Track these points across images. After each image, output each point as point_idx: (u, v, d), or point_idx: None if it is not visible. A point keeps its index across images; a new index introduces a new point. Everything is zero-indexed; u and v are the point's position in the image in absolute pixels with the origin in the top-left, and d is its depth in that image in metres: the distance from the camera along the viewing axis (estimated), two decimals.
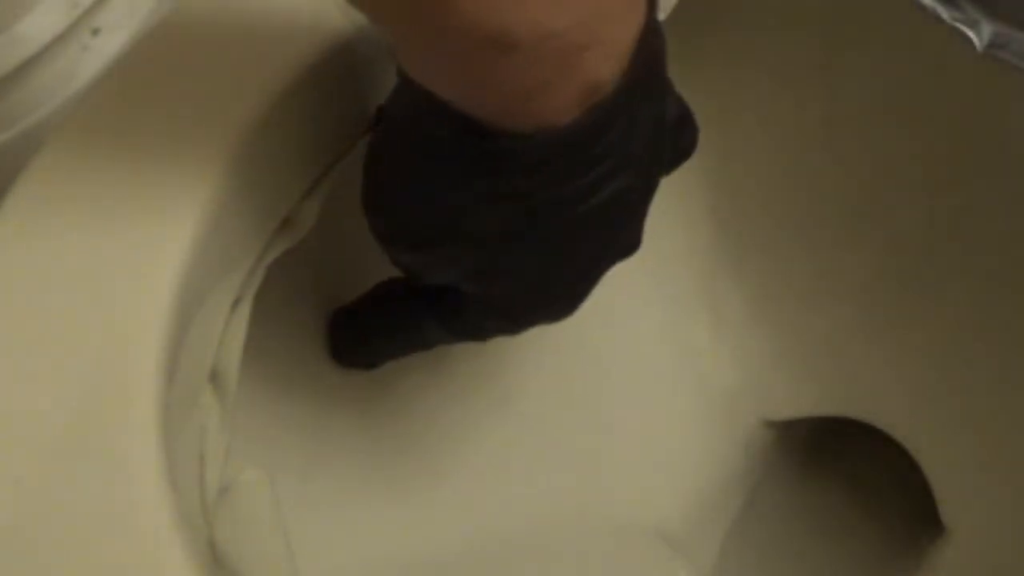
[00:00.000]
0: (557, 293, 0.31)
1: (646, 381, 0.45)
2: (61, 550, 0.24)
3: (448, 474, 0.40)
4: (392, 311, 0.34)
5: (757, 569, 0.43)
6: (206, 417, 0.29)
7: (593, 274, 0.31)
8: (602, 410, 0.44)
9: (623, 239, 0.30)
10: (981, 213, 0.39)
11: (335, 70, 0.30)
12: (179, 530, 0.24)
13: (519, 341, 0.42)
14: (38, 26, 0.41)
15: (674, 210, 0.44)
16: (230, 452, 0.29)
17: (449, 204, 0.28)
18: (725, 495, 0.44)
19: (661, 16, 0.35)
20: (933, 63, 0.37)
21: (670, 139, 0.30)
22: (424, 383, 0.40)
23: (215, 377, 0.30)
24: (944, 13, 0.35)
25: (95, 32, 0.42)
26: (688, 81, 0.42)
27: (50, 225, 0.27)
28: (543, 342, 0.43)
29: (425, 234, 0.29)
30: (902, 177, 0.41)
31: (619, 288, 0.44)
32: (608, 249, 0.30)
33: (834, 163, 0.42)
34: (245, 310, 0.30)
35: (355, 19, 0.31)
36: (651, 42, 0.26)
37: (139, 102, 0.29)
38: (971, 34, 0.35)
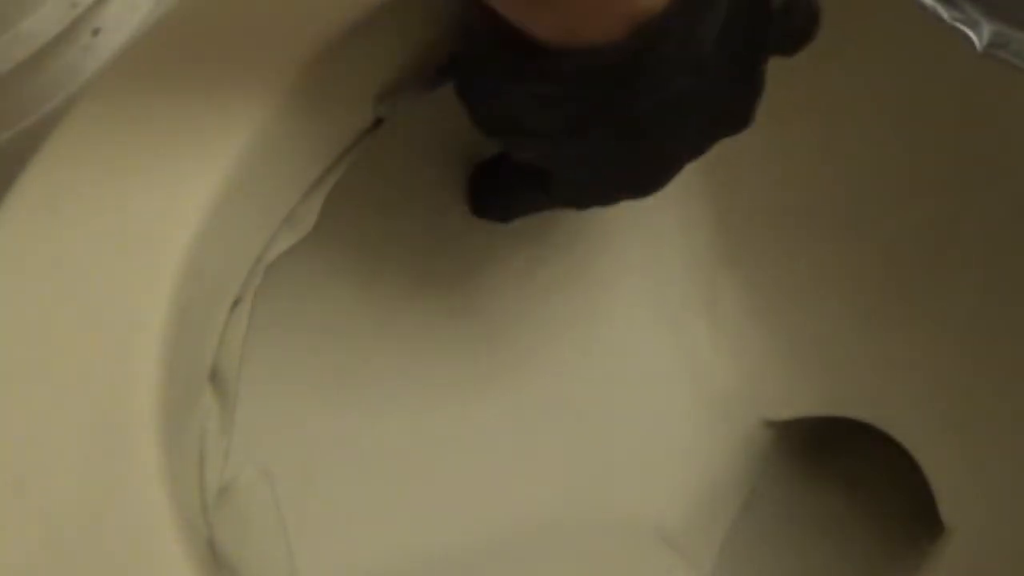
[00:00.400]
0: (630, 180, 0.32)
1: (646, 381, 0.45)
2: (62, 550, 0.24)
3: (448, 474, 0.40)
4: (517, 170, 0.36)
5: (757, 569, 0.43)
6: (206, 417, 0.29)
7: (671, 161, 0.32)
8: (602, 410, 0.44)
9: (711, 126, 0.31)
10: (981, 213, 0.39)
11: (336, 69, 0.30)
12: (179, 530, 0.24)
13: (519, 341, 0.42)
14: (39, 26, 0.41)
15: (674, 210, 0.44)
16: (230, 452, 0.29)
17: (513, 103, 0.30)
18: (725, 495, 0.44)
19: None
20: (933, 63, 0.37)
21: (777, 24, 0.31)
22: (424, 383, 0.40)
23: (215, 377, 0.30)
24: (944, 13, 0.35)
25: (95, 32, 0.42)
26: None
27: (50, 225, 0.27)
28: (543, 341, 0.43)
29: (499, 126, 0.31)
30: (902, 177, 0.41)
31: (619, 288, 0.44)
32: (684, 140, 0.31)
33: (834, 163, 0.42)
34: (245, 310, 0.30)
35: (354, 16, 0.31)
36: None
37: (139, 101, 0.29)
38: (971, 34, 0.35)
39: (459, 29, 0.32)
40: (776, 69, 0.41)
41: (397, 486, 0.39)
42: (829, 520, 0.44)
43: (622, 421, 0.44)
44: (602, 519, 0.42)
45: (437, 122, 0.36)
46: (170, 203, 0.27)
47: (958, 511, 0.40)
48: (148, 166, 0.28)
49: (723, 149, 0.43)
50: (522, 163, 0.33)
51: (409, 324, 0.40)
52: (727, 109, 0.31)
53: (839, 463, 0.45)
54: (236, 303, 0.31)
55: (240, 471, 0.29)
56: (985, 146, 0.38)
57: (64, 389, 0.25)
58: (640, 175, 0.32)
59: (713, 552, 0.43)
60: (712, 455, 0.44)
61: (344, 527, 0.37)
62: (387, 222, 0.38)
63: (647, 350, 0.45)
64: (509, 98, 0.30)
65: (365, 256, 0.38)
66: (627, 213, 0.40)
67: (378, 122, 0.34)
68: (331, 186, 0.33)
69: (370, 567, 0.38)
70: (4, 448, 0.25)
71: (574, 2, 0.26)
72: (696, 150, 0.32)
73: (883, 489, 0.44)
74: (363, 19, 0.30)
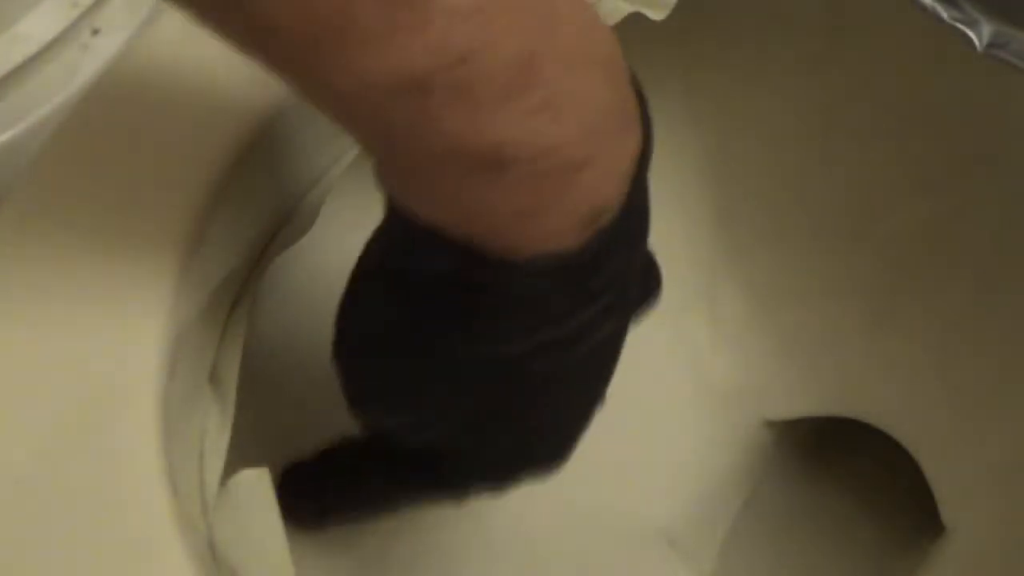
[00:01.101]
0: (550, 448, 0.29)
1: (646, 381, 0.44)
2: (62, 550, 0.24)
3: None
4: (351, 473, 0.31)
5: (757, 569, 0.43)
6: (206, 417, 0.29)
7: (584, 425, 0.29)
8: (601, 410, 0.44)
9: (606, 378, 0.28)
10: (981, 213, 0.39)
11: None
12: (179, 530, 0.24)
13: None
14: (38, 26, 0.41)
15: (674, 210, 0.44)
16: (230, 452, 0.29)
17: (438, 353, 0.25)
18: (725, 495, 0.44)
19: (659, 17, 0.35)
20: (933, 63, 0.37)
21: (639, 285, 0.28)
22: None
23: (215, 377, 0.30)
24: (944, 13, 0.35)
25: (95, 32, 0.42)
26: (687, 82, 0.42)
27: (50, 225, 0.27)
28: None
29: (411, 389, 0.27)
30: (901, 177, 0.41)
31: None
32: (599, 397, 0.29)
33: (834, 163, 0.42)
34: (245, 310, 0.30)
35: None
36: (646, 171, 0.24)
37: (137, 104, 0.29)
38: (971, 34, 0.35)
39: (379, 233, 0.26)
40: (774, 69, 0.41)
41: None
42: (829, 520, 0.44)
43: (622, 421, 0.44)
44: (602, 519, 0.42)
45: None
46: (170, 203, 0.27)
47: (958, 511, 0.40)
48: (148, 167, 0.28)
49: (723, 149, 0.43)
50: (380, 455, 0.29)
51: None
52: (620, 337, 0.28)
53: (839, 463, 0.45)
54: (236, 303, 0.31)
55: (240, 471, 0.29)
56: (985, 146, 0.38)
57: (64, 389, 0.25)
58: (560, 440, 0.29)
59: (713, 552, 0.43)
60: (712, 455, 0.44)
61: (342, 528, 0.37)
62: None
63: (647, 350, 0.45)
64: (444, 343, 0.25)
65: None
66: None
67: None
68: (331, 186, 0.33)
69: (370, 566, 0.38)
70: (4, 448, 0.25)
71: (522, 194, 0.22)
72: (592, 413, 0.29)
73: (883, 489, 0.44)
74: None
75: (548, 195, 0.22)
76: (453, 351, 0.25)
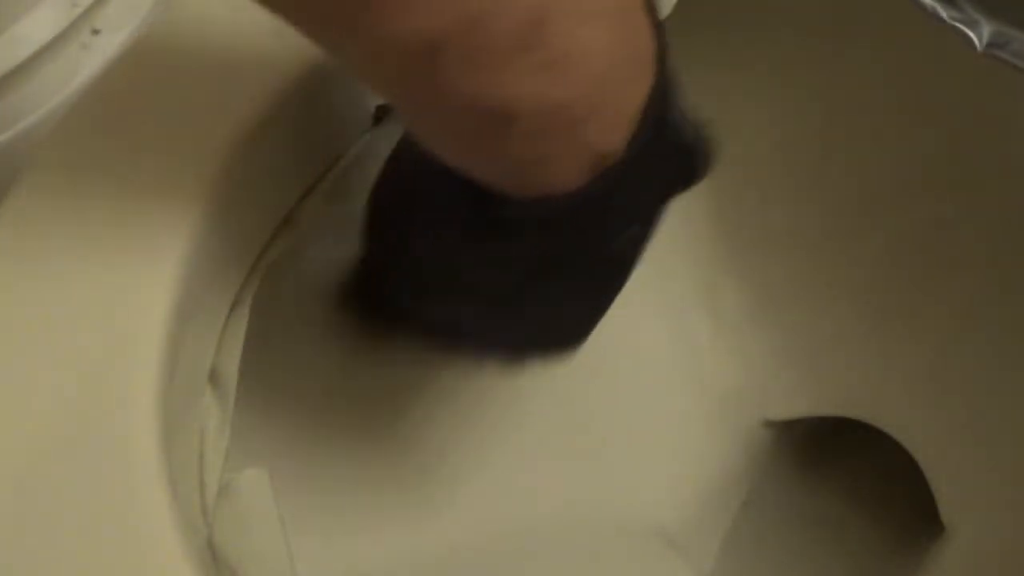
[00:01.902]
0: (567, 330, 0.30)
1: (646, 381, 0.45)
2: (61, 550, 0.24)
3: (447, 475, 0.40)
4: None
5: (757, 569, 0.43)
6: (206, 417, 0.29)
7: (600, 312, 0.30)
8: (602, 410, 0.44)
9: (630, 265, 0.30)
10: (981, 213, 0.39)
11: (333, 71, 0.30)
12: (179, 530, 0.24)
13: None
14: (38, 25, 0.41)
15: (674, 210, 0.44)
16: (230, 452, 0.29)
17: (452, 259, 0.27)
18: (725, 495, 0.44)
19: (661, 14, 0.35)
20: (933, 63, 0.37)
21: (683, 165, 0.29)
22: (425, 384, 0.40)
23: (215, 377, 0.30)
24: (944, 13, 0.35)
25: (95, 31, 0.42)
26: (688, 81, 0.42)
27: (50, 228, 0.27)
28: None
29: (427, 283, 0.28)
30: (902, 177, 0.41)
31: None
32: (618, 286, 0.30)
33: (834, 163, 0.42)
34: (244, 311, 0.30)
35: None
36: (662, 97, 0.25)
37: (137, 104, 0.29)
38: (971, 34, 0.35)
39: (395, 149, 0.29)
40: (776, 69, 0.41)
41: (396, 486, 0.39)
42: (829, 520, 0.44)
43: (622, 421, 0.44)
44: (602, 519, 0.42)
45: None
46: (169, 203, 0.27)
47: (958, 511, 0.40)
48: (147, 167, 0.28)
49: (723, 150, 0.43)
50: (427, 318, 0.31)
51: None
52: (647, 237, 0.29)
53: (839, 463, 0.45)
54: (236, 304, 0.31)
55: (240, 471, 0.29)
56: (985, 146, 0.38)
57: (64, 389, 0.25)
58: (571, 330, 0.30)
59: (713, 552, 0.43)
60: (712, 455, 0.44)
61: (344, 527, 0.37)
62: None
63: (647, 350, 0.45)
64: (447, 248, 0.27)
65: None
66: None
67: (378, 121, 0.34)
68: (331, 186, 0.33)
69: (369, 567, 0.38)
70: (3, 449, 0.25)
71: (528, 146, 0.23)
72: (610, 299, 0.30)
73: (883, 489, 0.44)
74: None
75: (554, 146, 0.23)
76: (469, 257, 0.27)
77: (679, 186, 0.29)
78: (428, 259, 0.28)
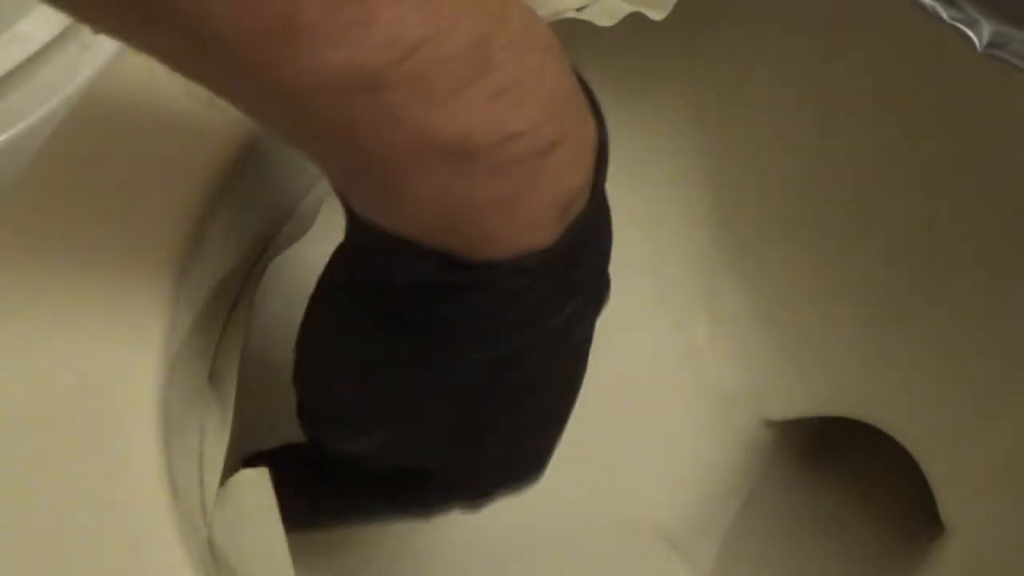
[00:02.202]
0: (531, 455, 0.29)
1: (646, 381, 0.45)
2: (61, 550, 0.24)
3: None
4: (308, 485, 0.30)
5: (757, 569, 0.43)
6: (206, 417, 0.29)
7: (559, 434, 0.29)
8: (602, 410, 0.44)
9: (582, 377, 0.28)
10: (981, 213, 0.39)
11: None
12: (179, 530, 0.24)
13: None
14: (38, 26, 0.41)
15: (674, 210, 0.44)
16: (230, 452, 0.29)
17: (421, 364, 0.25)
18: (725, 495, 0.44)
19: (659, 16, 0.35)
20: (933, 63, 0.37)
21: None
22: None
23: (215, 377, 0.30)
24: (944, 13, 0.35)
25: (95, 32, 0.42)
26: (687, 81, 0.42)
27: (50, 224, 0.27)
28: None
29: (388, 406, 0.26)
30: (902, 177, 0.41)
31: (619, 288, 0.44)
32: (572, 402, 0.28)
33: (834, 163, 0.42)
34: (245, 310, 0.30)
35: None
36: (605, 164, 0.24)
37: (137, 104, 0.29)
38: (971, 34, 0.35)
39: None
40: (776, 69, 0.41)
41: None
42: (829, 520, 0.44)
43: (622, 421, 0.44)
44: (602, 519, 0.42)
45: None
46: (169, 203, 0.27)
47: (958, 511, 0.40)
48: (146, 167, 0.28)
49: (723, 149, 0.43)
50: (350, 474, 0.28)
51: None
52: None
53: (839, 463, 0.45)
54: (236, 303, 0.31)
55: (240, 471, 0.29)
56: (985, 146, 0.38)
57: (64, 390, 0.25)
58: (540, 447, 0.28)
59: (713, 552, 0.43)
60: (712, 455, 0.44)
61: (343, 528, 0.37)
62: None
63: (648, 350, 0.45)
64: (422, 356, 0.24)
65: None
66: (628, 214, 0.40)
67: None
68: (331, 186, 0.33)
69: (369, 567, 0.38)
70: (3, 449, 0.25)
71: (495, 184, 0.22)
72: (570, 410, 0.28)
73: (883, 489, 0.44)
74: None
75: (520, 182, 0.22)
76: (438, 359, 0.24)
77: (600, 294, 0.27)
78: (384, 365, 0.25)
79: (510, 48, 0.21)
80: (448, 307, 0.23)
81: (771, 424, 0.45)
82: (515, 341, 0.24)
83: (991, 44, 0.35)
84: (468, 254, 0.23)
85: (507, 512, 0.41)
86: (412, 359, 0.25)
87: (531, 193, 0.22)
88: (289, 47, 0.19)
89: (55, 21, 0.41)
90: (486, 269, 0.23)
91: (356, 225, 0.24)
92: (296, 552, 0.27)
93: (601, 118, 0.24)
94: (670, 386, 0.45)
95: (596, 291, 0.26)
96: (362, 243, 0.25)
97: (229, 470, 0.28)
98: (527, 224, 0.23)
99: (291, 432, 0.36)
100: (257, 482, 0.27)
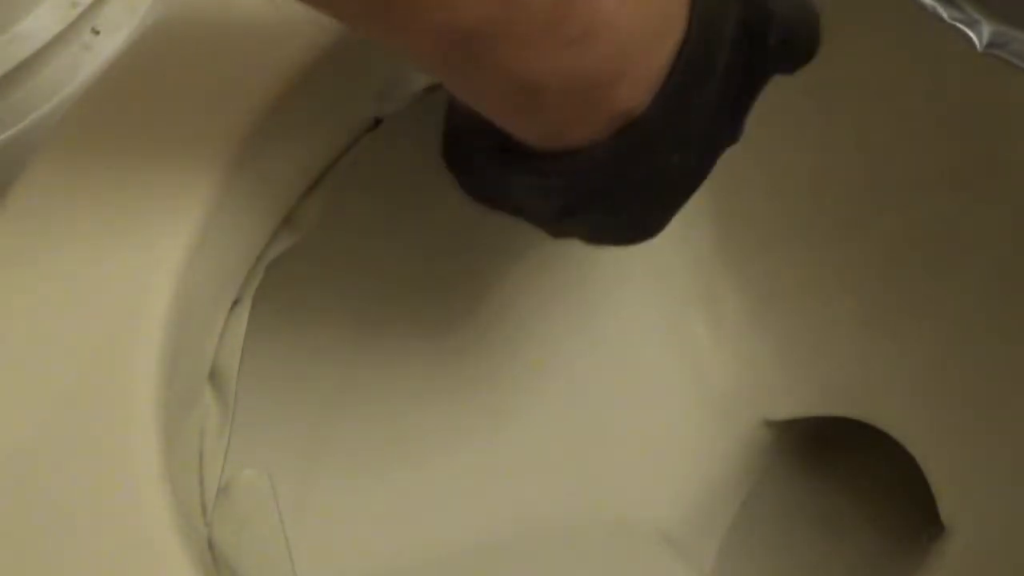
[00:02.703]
0: (632, 233, 0.32)
1: (646, 381, 0.45)
2: (61, 549, 0.24)
3: (448, 475, 0.40)
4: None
5: (757, 569, 0.43)
6: (206, 417, 0.29)
7: (667, 213, 0.31)
8: (602, 410, 0.44)
9: (689, 179, 0.30)
10: (981, 213, 0.39)
11: (332, 70, 0.30)
12: (179, 530, 0.24)
13: (518, 340, 0.42)
14: (39, 25, 0.41)
15: None
16: (230, 452, 0.29)
17: (502, 186, 0.29)
18: (725, 495, 0.44)
19: None
20: (933, 63, 0.37)
21: (776, 57, 0.30)
22: (425, 384, 0.40)
23: (215, 377, 0.30)
24: (944, 13, 0.35)
25: (95, 31, 0.42)
26: None
27: (50, 225, 0.27)
28: (543, 341, 0.43)
29: (489, 201, 0.31)
30: (902, 177, 0.41)
31: (619, 288, 0.44)
32: (675, 193, 0.30)
33: (834, 163, 0.42)
34: (245, 310, 0.30)
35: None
36: (702, 37, 0.26)
37: (137, 103, 0.29)
38: (971, 34, 0.35)
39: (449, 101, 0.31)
40: None
41: (397, 486, 0.39)
42: (828, 520, 0.44)
43: (622, 421, 0.44)
44: (603, 519, 0.42)
45: (437, 122, 0.36)
46: (169, 203, 0.27)
47: (958, 511, 0.40)
48: (146, 168, 0.28)
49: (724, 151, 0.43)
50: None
51: (410, 325, 0.40)
52: (718, 144, 0.30)
53: (839, 463, 0.45)
54: (236, 303, 0.31)
55: (240, 471, 0.29)
56: (985, 146, 0.38)
57: (64, 389, 0.25)
58: (640, 227, 0.32)
59: (713, 552, 0.43)
60: (712, 455, 0.44)
61: (344, 527, 0.37)
62: (387, 222, 0.38)
63: (647, 350, 0.45)
64: (498, 181, 0.29)
65: (365, 256, 0.38)
66: None
67: (377, 122, 0.34)
68: (331, 186, 0.33)
69: (369, 567, 0.38)
70: (4, 449, 0.25)
71: (556, 112, 0.25)
72: (691, 190, 0.31)
73: (883, 489, 0.44)
74: None
75: (581, 111, 0.25)
76: (519, 185, 0.29)
77: (780, 69, 0.30)
78: (485, 185, 0.30)
79: None
80: (518, 165, 0.28)
81: (771, 424, 0.45)
82: (574, 193, 0.28)
83: (991, 44, 0.35)
84: (529, 144, 0.27)
85: (507, 512, 0.41)
86: (522, 190, 0.29)
87: (591, 116, 0.25)
88: (407, 10, 0.22)
89: (56, 21, 0.41)
90: (538, 159, 0.27)
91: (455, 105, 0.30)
92: (296, 551, 0.27)
93: (697, 5, 0.26)
94: (670, 386, 0.45)
95: (674, 145, 0.28)
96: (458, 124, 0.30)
97: (229, 470, 0.28)
98: (585, 134, 0.26)
99: (291, 432, 0.36)
100: (257, 482, 0.27)
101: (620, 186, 0.28)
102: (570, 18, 0.23)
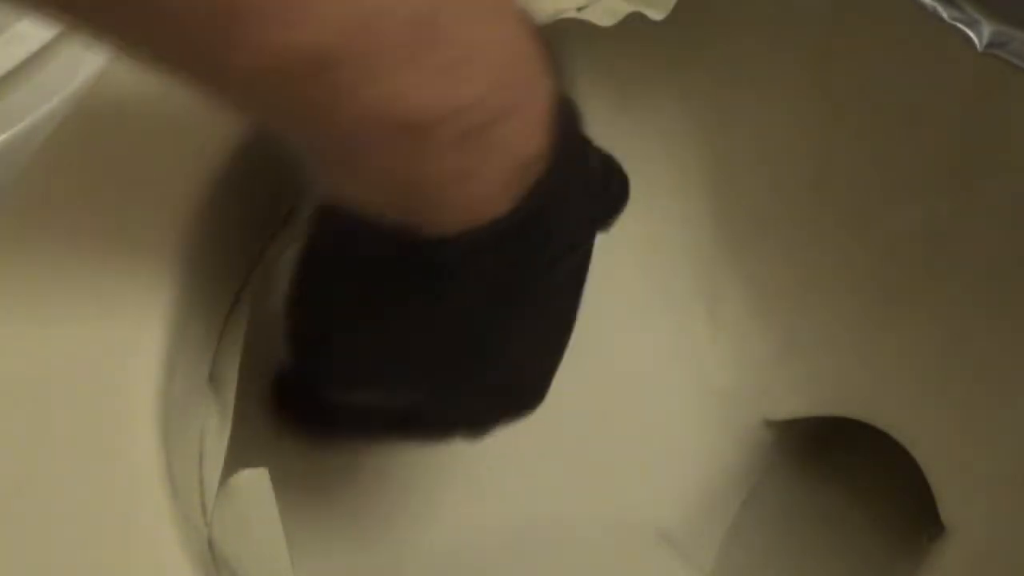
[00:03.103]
0: (528, 384, 0.29)
1: (646, 381, 0.45)
2: (61, 550, 0.24)
3: (448, 474, 0.40)
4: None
5: (757, 569, 0.43)
6: (206, 417, 0.29)
7: (557, 359, 0.29)
8: (601, 410, 0.44)
9: (575, 312, 0.28)
10: (981, 213, 0.39)
11: None
12: (179, 530, 0.24)
13: None
14: (38, 25, 0.41)
15: (674, 209, 0.44)
16: (230, 452, 0.29)
17: (397, 329, 0.25)
18: (725, 495, 0.44)
19: (659, 16, 0.35)
20: (933, 63, 0.37)
21: (599, 193, 0.27)
22: None
23: (214, 378, 0.30)
24: (944, 13, 0.35)
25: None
26: (687, 81, 0.42)
27: (48, 226, 0.27)
28: None
29: (378, 367, 0.27)
30: (902, 177, 0.41)
31: (619, 288, 0.44)
32: (568, 327, 0.28)
33: (833, 163, 0.42)
34: (245, 311, 0.30)
35: None
36: (565, 105, 0.24)
37: (136, 103, 0.29)
38: (971, 34, 0.35)
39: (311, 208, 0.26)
40: (776, 68, 0.41)
41: (397, 486, 0.39)
42: (829, 520, 0.44)
43: (622, 421, 0.44)
44: (602, 519, 0.42)
45: None
46: (168, 203, 0.27)
47: (958, 511, 0.40)
48: (147, 165, 0.28)
49: (723, 149, 0.43)
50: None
51: None
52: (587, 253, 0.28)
53: (839, 463, 0.45)
54: (236, 303, 0.31)
55: (240, 471, 0.29)
56: (985, 146, 0.38)
57: (64, 389, 0.25)
58: (535, 379, 0.29)
59: (713, 552, 0.43)
60: (712, 455, 0.44)
61: (344, 527, 0.37)
62: None
63: (647, 350, 0.45)
64: (402, 319, 0.25)
65: None
66: (627, 214, 0.40)
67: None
68: None
69: (369, 567, 0.38)
70: (3, 448, 0.25)
71: (450, 158, 0.22)
72: (571, 324, 0.28)
73: (883, 489, 0.44)
74: None
75: (475, 156, 0.22)
76: (414, 319, 0.25)
77: (600, 217, 0.28)
78: (362, 336, 0.26)
79: (459, 17, 0.21)
80: (414, 281, 0.24)
81: (771, 424, 0.45)
82: (490, 297, 0.24)
83: (991, 44, 0.35)
84: (426, 227, 0.23)
85: (506, 512, 0.41)
86: (388, 319, 0.25)
87: (485, 163, 0.22)
88: (234, 27, 0.19)
89: None
90: (440, 246, 0.23)
91: (323, 207, 0.25)
92: (296, 552, 0.27)
93: (556, 76, 0.24)
94: (670, 386, 0.45)
95: (568, 235, 0.25)
96: (329, 226, 0.25)
97: (229, 470, 0.28)
98: (483, 196, 0.22)
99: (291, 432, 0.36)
100: (257, 482, 0.27)
101: (526, 290, 0.25)
102: (438, 42, 0.20)
